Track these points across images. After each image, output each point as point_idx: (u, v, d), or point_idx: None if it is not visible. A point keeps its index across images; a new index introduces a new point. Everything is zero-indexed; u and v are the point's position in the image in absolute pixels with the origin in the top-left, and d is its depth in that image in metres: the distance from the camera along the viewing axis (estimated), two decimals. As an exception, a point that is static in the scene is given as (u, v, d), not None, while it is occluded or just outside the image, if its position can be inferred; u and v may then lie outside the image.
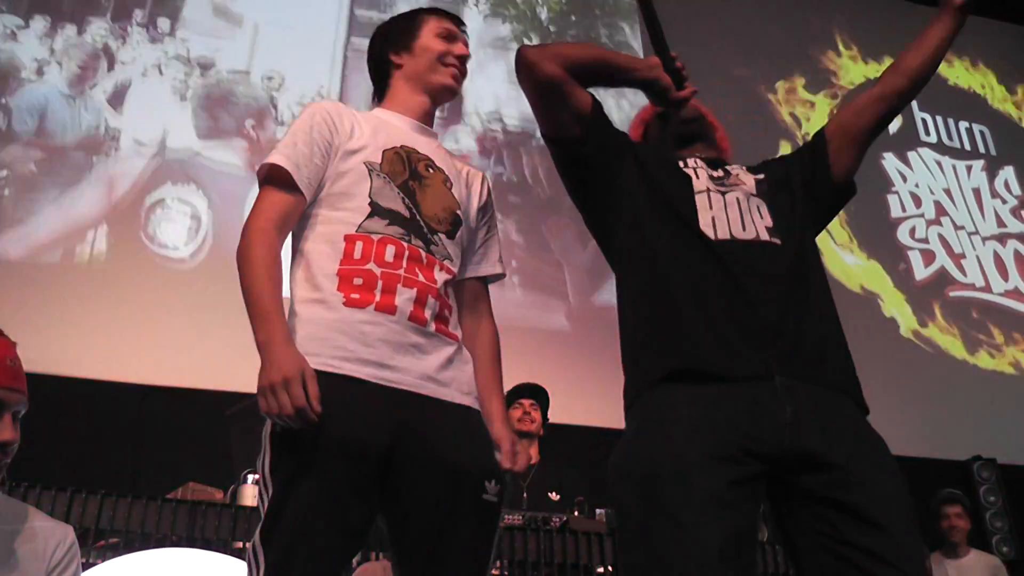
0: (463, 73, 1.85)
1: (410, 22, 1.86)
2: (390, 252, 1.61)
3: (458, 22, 1.88)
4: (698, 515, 1.30)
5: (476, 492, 1.54)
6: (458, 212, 1.75)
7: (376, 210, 1.63)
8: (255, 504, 2.72)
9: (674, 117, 1.77)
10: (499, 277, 1.85)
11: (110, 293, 4.43)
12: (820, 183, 1.69)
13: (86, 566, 2.30)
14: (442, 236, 1.69)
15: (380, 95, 1.84)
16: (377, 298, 1.57)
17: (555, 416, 3.83)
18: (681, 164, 1.67)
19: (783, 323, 1.46)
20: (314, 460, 1.44)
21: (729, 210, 1.58)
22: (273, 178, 1.62)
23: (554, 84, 1.63)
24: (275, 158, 1.62)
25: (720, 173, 1.66)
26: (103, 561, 2.42)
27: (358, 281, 1.58)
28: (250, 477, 2.83)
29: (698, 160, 1.68)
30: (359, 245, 1.61)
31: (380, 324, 1.56)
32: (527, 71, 1.65)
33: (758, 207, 1.61)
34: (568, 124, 1.66)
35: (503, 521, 2.86)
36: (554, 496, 3.50)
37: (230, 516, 2.71)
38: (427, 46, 1.82)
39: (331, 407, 1.45)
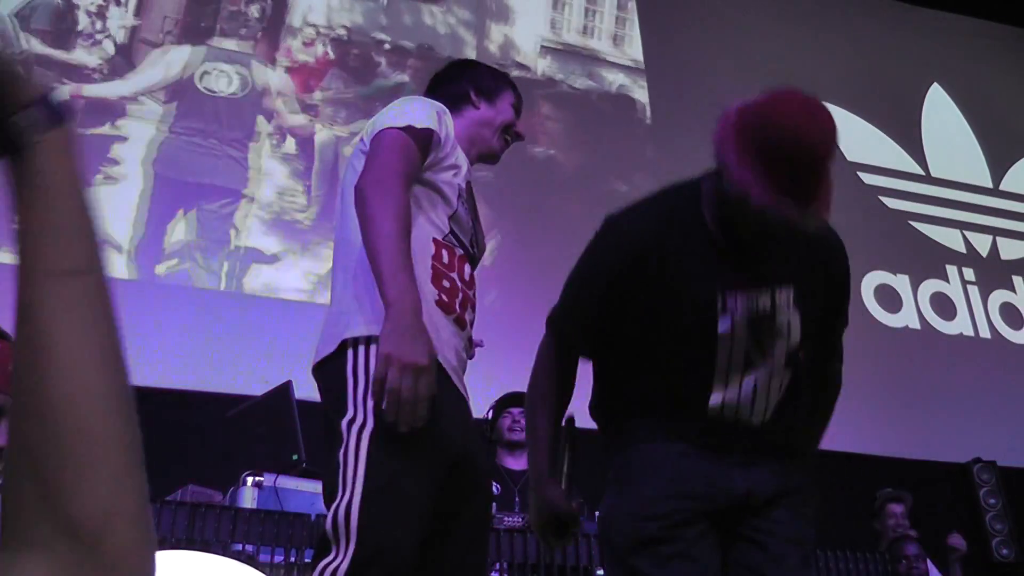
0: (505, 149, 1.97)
1: (499, 79, 1.99)
2: (467, 271, 1.73)
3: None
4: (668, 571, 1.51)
5: (489, 493, 1.72)
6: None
7: (453, 234, 1.73)
8: (254, 506, 2.73)
9: None
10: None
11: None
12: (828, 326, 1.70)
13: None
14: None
15: (450, 109, 1.86)
16: (457, 310, 1.68)
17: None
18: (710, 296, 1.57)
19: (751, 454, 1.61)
20: (422, 452, 1.50)
21: (743, 390, 1.57)
22: (410, 132, 1.64)
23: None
24: (414, 121, 1.65)
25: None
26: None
27: (446, 284, 1.66)
28: (249, 479, 2.83)
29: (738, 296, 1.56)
30: (445, 253, 1.69)
31: (455, 334, 1.67)
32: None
33: (781, 377, 1.60)
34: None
35: (503, 524, 2.87)
36: None
37: (229, 518, 2.70)
38: (504, 108, 1.94)
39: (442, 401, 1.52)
